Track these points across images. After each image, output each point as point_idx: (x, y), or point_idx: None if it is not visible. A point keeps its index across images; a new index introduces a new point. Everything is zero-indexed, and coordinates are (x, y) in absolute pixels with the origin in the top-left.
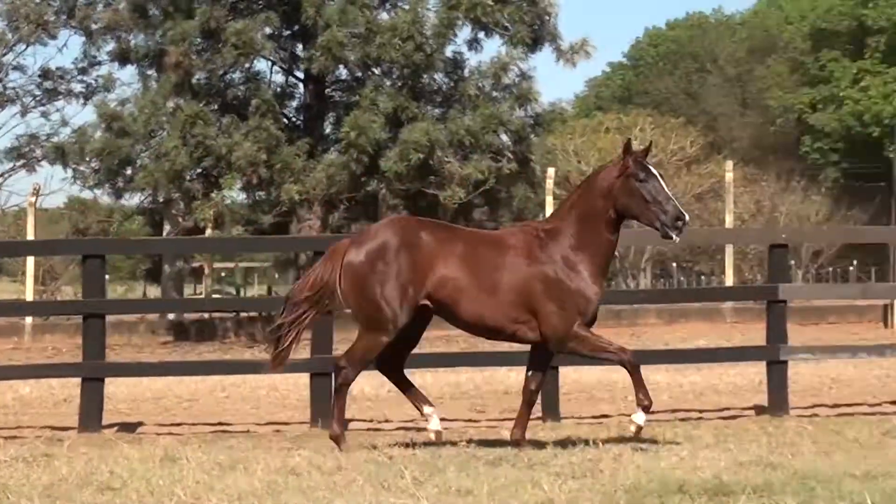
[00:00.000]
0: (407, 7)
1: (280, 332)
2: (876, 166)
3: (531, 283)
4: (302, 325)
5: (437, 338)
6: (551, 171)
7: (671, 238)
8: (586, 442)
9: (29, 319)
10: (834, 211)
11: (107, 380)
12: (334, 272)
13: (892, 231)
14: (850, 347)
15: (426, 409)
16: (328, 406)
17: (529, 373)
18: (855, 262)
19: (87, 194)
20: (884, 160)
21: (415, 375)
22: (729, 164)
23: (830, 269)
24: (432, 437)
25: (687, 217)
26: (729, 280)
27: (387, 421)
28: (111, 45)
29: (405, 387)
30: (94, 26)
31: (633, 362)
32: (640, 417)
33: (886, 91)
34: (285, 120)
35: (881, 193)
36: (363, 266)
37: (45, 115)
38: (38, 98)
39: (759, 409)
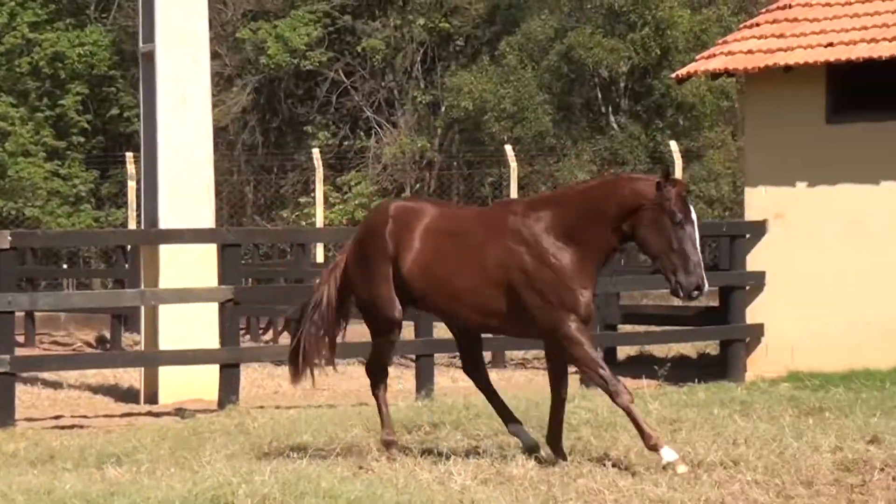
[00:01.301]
0: None
1: (301, 349)
2: None
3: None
4: (323, 337)
5: None
6: None
7: (680, 298)
8: None
9: None
10: None
11: None
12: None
13: None
14: None
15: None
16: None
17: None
18: None
19: None
20: None
21: None
22: None
23: None
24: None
25: (707, 287)
26: None
27: None
28: None
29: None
30: None
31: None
32: (669, 454)
33: None
34: None
35: None
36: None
37: None
38: None
39: None
